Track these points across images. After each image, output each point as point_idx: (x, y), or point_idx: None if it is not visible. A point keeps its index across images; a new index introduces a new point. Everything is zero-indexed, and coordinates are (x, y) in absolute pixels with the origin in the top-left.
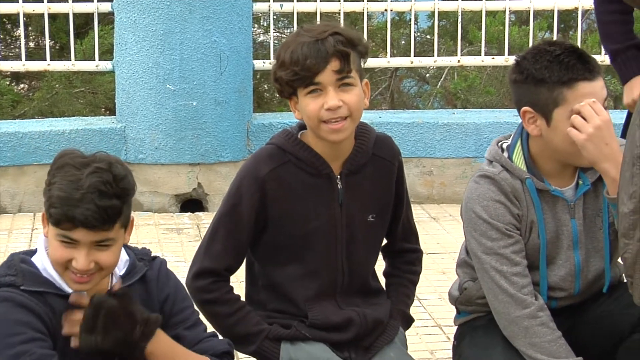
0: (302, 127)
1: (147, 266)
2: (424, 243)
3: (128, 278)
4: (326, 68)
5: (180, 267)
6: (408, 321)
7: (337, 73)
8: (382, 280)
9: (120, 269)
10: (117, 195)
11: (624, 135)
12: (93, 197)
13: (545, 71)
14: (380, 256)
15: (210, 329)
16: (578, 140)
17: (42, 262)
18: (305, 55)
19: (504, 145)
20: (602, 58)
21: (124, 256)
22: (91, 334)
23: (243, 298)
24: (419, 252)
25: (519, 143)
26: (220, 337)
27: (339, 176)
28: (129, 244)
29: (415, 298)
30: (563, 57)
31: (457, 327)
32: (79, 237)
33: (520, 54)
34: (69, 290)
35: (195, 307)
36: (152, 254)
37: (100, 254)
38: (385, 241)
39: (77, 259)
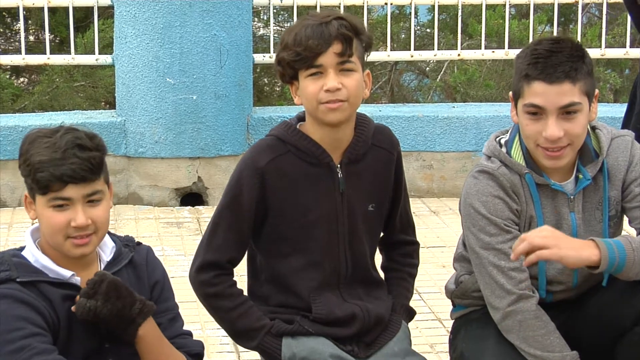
0: (300, 118)
1: (132, 252)
2: (424, 237)
3: (115, 264)
4: (328, 50)
5: (181, 261)
6: (410, 314)
7: (339, 56)
8: (380, 274)
9: (107, 255)
10: (95, 148)
11: (624, 127)
12: (74, 152)
13: (519, 61)
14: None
15: (192, 324)
16: (554, 256)
17: (33, 254)
18: (308, 37)
19: (502, 141)
20: (602, 51)
21: (109, 242)
22: (90, 299)
23: (245, 292)
24: (416, 245)
25: (517, 138)
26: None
27: (339, 165)
28: (116, 234)
29: (415, 292)
30: (538, 53)
31: (453, 321)
32: (71, 194)
33: None
34: (64, 275)
35: (177, 301)
36: (137, 241)
37: (93, 210)
38: (382, 233)
39: (74, 217)
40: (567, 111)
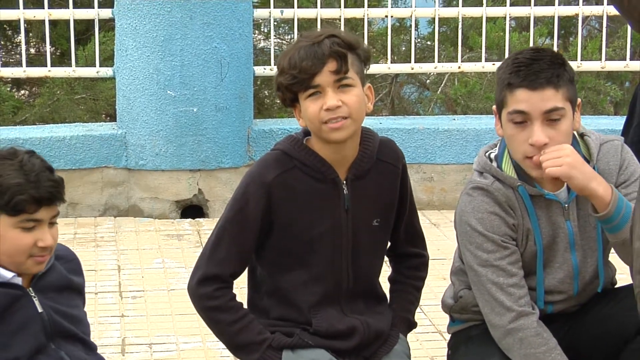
0: (306, 133)
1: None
2: None
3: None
4: (323, 69)
5: (181, 274)
6: (410, 326)
7: (335, 73)
8: (386, 286)
9: None
10: (54, 170)
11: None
12: (46, 175)
13: (500, 72)
14: (387, 260)
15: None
16: (563, 173)
17: None
18: (302, 58)
19: (492, 155)
20: (603, 64)
21: None
22: None
23: (245, 304)
24: (424, 257)
25: (506, 151)
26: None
27: (344, 181)
28: None
29: None
30: (519, 62)
31: (450, 335)
32: (42, 216)
33: None
34: (5, 276)
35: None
36: None
37: (52, 231)
38: (389, 244)
39: (42, 238)
40: (551, 118)
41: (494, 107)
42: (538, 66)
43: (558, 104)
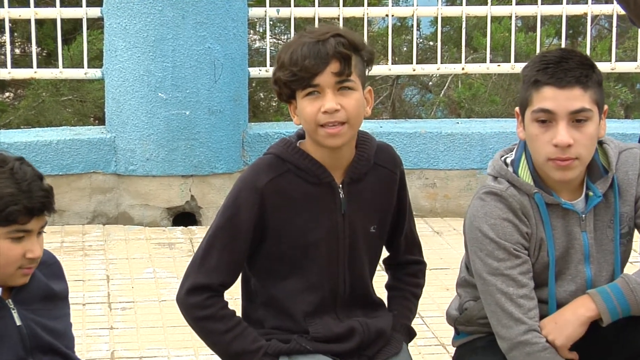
0: (300, 136)
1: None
2: (427, 258)
3: None
4: (325, 70)
5: (173, 284)
6: (410, 334)
7: (337, 75)
8: (384, 293)
9: None
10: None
11: None
12: (39, 184)
13: (526, 70)
14: (383, 269)
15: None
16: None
17: None
18: (304, 56)
19: (508, 160)
20: (612, 65)
21: None
22: None
23: (239, 316)
24: (422, 265)
25: (523, 157)
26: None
27: (340, 185)
28: None
29: (417, 315)
30: (547, 60)
31: (455, 348)
32: (32, 226)
33: None
34: None
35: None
36: None
37: (39, 241)
38: (387, 253)
39: (31, 249)
40: (577, 118)
41: (517, 108)
42: (567, 65)
43: (585, 104)
